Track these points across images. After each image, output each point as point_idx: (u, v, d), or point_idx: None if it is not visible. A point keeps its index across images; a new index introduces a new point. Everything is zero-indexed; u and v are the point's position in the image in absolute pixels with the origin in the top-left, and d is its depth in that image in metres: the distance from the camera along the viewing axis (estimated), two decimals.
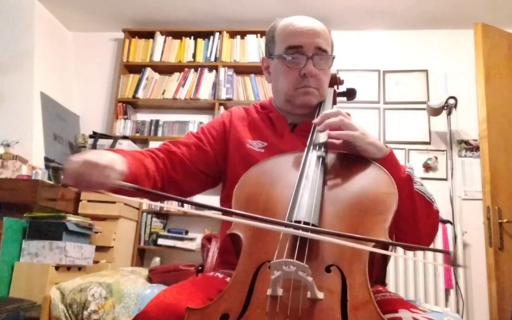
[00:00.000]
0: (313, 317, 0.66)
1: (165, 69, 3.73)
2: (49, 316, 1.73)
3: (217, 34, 3.68)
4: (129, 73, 3.77)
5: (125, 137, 3.44)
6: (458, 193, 3.23)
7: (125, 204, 3.03)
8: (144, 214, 3.37)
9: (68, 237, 2.41)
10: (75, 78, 3.93)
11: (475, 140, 3.28)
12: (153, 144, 3.29)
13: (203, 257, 1.98)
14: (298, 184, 0.88)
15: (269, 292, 0.69)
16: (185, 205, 2.95)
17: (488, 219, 2.76)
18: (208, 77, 3.61)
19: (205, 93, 3.57)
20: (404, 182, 0.94)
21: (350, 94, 1.29)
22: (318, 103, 1.16)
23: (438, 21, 3.46)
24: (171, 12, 3.67)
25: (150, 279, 2.11)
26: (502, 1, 3.16)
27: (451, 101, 3.16)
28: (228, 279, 0.98)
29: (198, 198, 2.79)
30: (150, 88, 3.67)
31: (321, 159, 0.95)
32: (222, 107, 3.54)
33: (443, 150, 3.33)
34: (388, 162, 0.96)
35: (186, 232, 3.34)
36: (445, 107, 3.18)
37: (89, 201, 2.97)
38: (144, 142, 3.57)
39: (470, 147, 3.33)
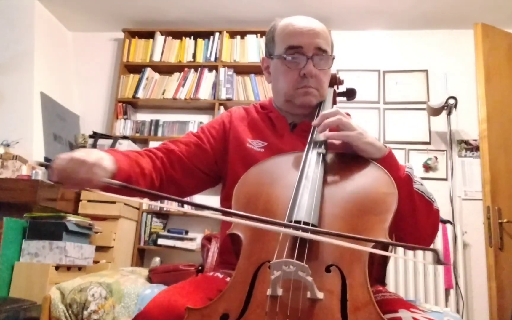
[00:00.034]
0: (313, 317, 0.66)
1: (165, 69, 3.73)
2: (49, 316, 1.73)
3: (217, 34, 3.68)
4: (129, 73, 3.77)
5: (125, 137, 3.44)
6: (458, 193, 3.23)
7: (125, 204, 3.03)
8: (144, 214, 3.37)
9: (68, 237, 2.41)
10: (75, 78, 3.93)
11: (475, 140, 3.28)
12: (153, 144, 3.28)
13: (203, 257, 1.98)
14: (298, 184, 0.88)
15: (269, 292, 0.69)
16: (185, 205, 2.96)
17: (488, 219, 2.76)
18: (208, 77, 3.61)
19: (205, 93, 3.57)
20: (403, 182, 0.94)
21: (350, 94, 1.29)
22: (318, 103, 1.16)
23: (438, 21, 3.46)
24: (171, 12, 3.67)
25: (150, 279, 2.11)
26: (502, 1, 3.16)
27: (451, 101, 3.16)
28: (228, 279, 0.98)
29: (198, 198, 2.80)
30: (150, 88, 3.67)
31: (321, 159, 0.95)
32: (222, 107, 3.54)
33: (443, 150, 3.33)
34: (387, 162, 0.96)
35: (186, 232, 3.34)
36: (445, 107, 3.18)
37: (89, 201, 2.97)
38: (144, 142, 3.58)
39: (470, 147, 3.33)
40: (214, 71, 3.62)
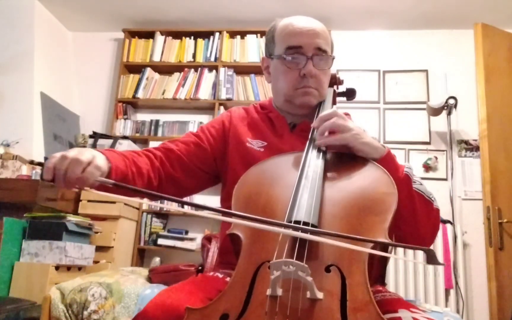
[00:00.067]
0: (313, 317, 0.66)
1: (165, 69, 3.73)
2: (49, 316, 1.73)
3: (217, 34, 3.68)
4: (129, 73, 3.77)
5: (125, 137, 3.44)
6: (458, 193, 3.23)
7: (125, 204, 3.03)
8: (144, 214, 3.37)
9: (68, 237, 2.41)
10: (75, 78, 3.93)
11: (475, 140, 3.28)
12: (153, 144, 3.28)
13: (203, 257, 1.98)
14: (297, 184, 0.88)
15: (268, 292, 0.69)
16: (185, 205, 2.96)
17: (488, 219, 2.76)
18: (208, 77, 3.61)
19: (205, 93, 3.57)
20: (402, 182, 0.94)
21: (349, 94, 1.29)
22: (318, 103, 1.16)
23: (438, 21, 3.46)
24: (171, 12, 3.67)
25: (150, 279, 2.11)
26: (502, 1, 3.16)
27: (451, 101, 3.16)
28: (228, 279, 0.98)
29: (198, 198, 2.80)
30: (150, 88, 3.67)
31: (320, 159, 0.95)
32: (222, 107, 3.54)
33: (443, 150, 3.33)
34: (386, 162, 0.96)
35: (186, 232, 3.35)
36: (445, 107, 3.18)
37: (89, 201, 2.97)
38: (144, 142, 3.58)
39: (470, 147, 3.33)
40: (214, 71, 3.62)
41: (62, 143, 3.53)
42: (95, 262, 2.70)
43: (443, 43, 3.53)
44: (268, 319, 0.67)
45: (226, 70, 3.58)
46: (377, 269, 0.95)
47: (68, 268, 2.42)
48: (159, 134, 3.60)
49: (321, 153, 0.97)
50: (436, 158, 3.31)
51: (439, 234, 2.93)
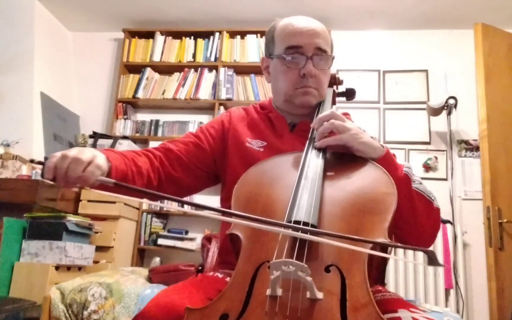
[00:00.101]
0: (313, 317, 0.66)
1: (165, 69, 3.73)
2: (49, 316, 1.73)
3: (217, 34, 3.68)
4: (129, 73, 3.77)
5: (125, 137, 3.44)
6: (458, 193, 3.23)
7: (125, 204, 3.03)
8: (144, 214, 3.37)
9: (68, 237, 2.41)
10: (75, 78, 3.93)
11: (475, 140, 3.28)
12: (153, 144, 3.28)
13: (203, 257, 1.98)
14: (297, 184, 0.88)
15: (268, 292, 0.69)
16: (185, 204, 2.96)
17: (488, 219, 2.76)
18: (208, 77, 3.61)
19: (205, 93, 3.57)
20: (401, 181, 0.94)
21: (349, 94, 1.29)
22: (318, 103, 1.16)
23: (438, 21, 3.46)
24: (171, 12, 3.67)
25: (150, 279, 2.11)
26: (502, 1, 3.16)
27: (451, 101, 3.16)
28: (227, 279, 0.98)
29: (198, 198, 2.80)
30: (150, 88, 3.67)
31: (320, 159, 0.95)
32: (222, 107, 3.54)
33: (443, 150, 3.33)
34: (385, 162, 0.96)
35: (186, 232, 3.34)
36: (445, 107, 3.18)
37: (89, 201, 2.97)
38: (144, 142, 3.58)
39: (470, 147, 3.33)
40: (214, 71, 3.62)
41: (62, 143, 3.53)
42: (95, 262, 2.70)
43: (443, 43, 3.53)
44: (268, 319, 0.67)
45: (226, 70, 3.58)
46: (377, 269, 0.95)
47: (68, 268, 2.42)
48: (159, 134, 3.60)
49: (321, 153, 0.97)
50: (436, 158, 3.31)
51: (439, 234, 2.93)
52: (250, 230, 0.83)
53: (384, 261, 0.97)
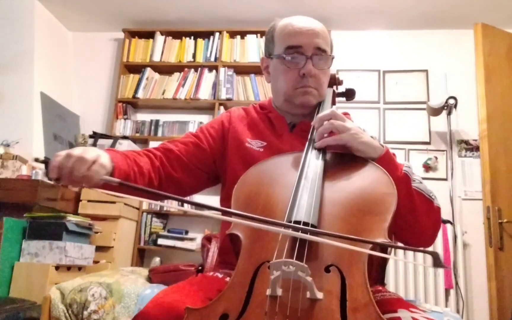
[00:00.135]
0: (313, 317, 0.66)
1: (165, 69, 3.73)
2: (49, 316, 1.73)
3: (217, 34, 3.68)
4: (129, 73, 3.77)
5: (125, 137, 3.44)
6: (458, 193, 3.23)
7: (125, 204, 3.03)
8: (144, 214, 3.37)
9: (68, 237, 2.41)
10: (75, 78, 3.93)
11: (475, 140, 3.28)
12: (153, 144, 3.28)
13: (203, 257, 1.98)
14: (297, 184, 0.88)
15: (268, 292, 0.69)
16: (185, 204, 2.96)
17: (488, 219, 2.76)
18: (208, 77, 3.61)
19: (205, 93, 3.57)
20: (401, 180, 0.95)
21: (349, 94, 1.29)
22: (318, 103, 1.16)
23: (438, 21, 3.46)
24: (171, 12, 3.67)
25: (150, 279, 2.11)
26: (502, 1, 3.16)
27: (451, 101, 3.16)
28: (227, 279, 0.98)
29: (198, 198, 2.81)
30: (150, 88, 3.67)
31: (320, 159, 0.95)
32: (222, 107, 3.54)
33: (443, 150, 3.33)
34: (384, 161, 0.96)
35: (186, 232, 3.34)
36: (445, 107, 3.18)
37: (89, 201, 2.97)
38: (144, 142, 3.58)
39: (470, 147, 3.33)
40: (214, 71, 3.62)
41: (62, 143, 3.53)
42: (95, 262, 2.70)
43: (443, 43, 3.53)
44: (268, 319, 0.67)
45: (226, 70, 3.58)
46: (377, 269, 0.95)
47: (68, 268, 2.42)
48: (159, 134, 3.60)
49: (321, 154, 0.97)
50: (436, 158, 3.31)
51: (439, 234, 2.92)
52: (250, 230, 0.83)
53: (384, 261, 0.97)
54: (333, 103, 1.23)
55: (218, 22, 3.71)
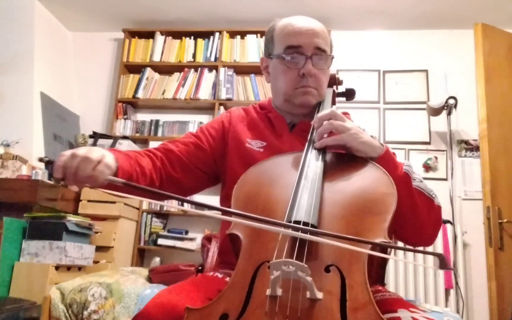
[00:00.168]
0: (313, 317, 0.66)
1: (165, 69, 3.73)
2: (49, 316, 1.73)
3: (217, 34, 3.68)
4: (129, 73, 3.77)
5: (125, 137, 3.44)
6: (458, 193, 3.23)
7: (125, 204, 3.03)
8: (144, 214, 3.37)
9: (68, 237, 2.41)
10: (75, 78, 3.93)
11: (475, 140, 3.28)
12: (153, 144, 3.28)
13: (203, 257, 1.98)
14: (297, 184, 0.88)
15: (268, 292, 0.69)
16: (185, 204, 2.96)
17: (488, 219, 2.76)
18: (208, 77, 3.61)
19: (205, 93, 3.57)
20: (401, 179, 0.95)
21: (349, 94, 1.29)
22: (317, 103, 1.16)
23: (438, 21, 3.46)
24: (171, 12, 3.67)
25: (150, 279, 2.11)
26: (502, 1, 3.16)
27: (451, 101, 3.16)
28: (227, 279, 0.98)
29: (198, 198, 2.81)
30: (150, 88, 3.67)
31: (320, 159, 0.95)
32: (222, 107, 3.54)
33: (443, 150, 3.33)
34: (384, 161, 0.96)
35: (186, 232, 3.34)
36: (445, 107, 3.18)
37: (89, 201, 2.97)
38: (144, 142, 3.58)
39: (470, 147, 3.33)
40: (214, 71, 3.62)
41: (62, 143, 3.53)
42: (95, 262, 2.70)
43: (443, 43, 3.53)
44: (268, 319, 0.67)
45: (226, 70, 3.58)
46: (377, 269, 0.95)
47: (68, 268, 2.42)
48: (159, 134, 3.60)
49: (321, 154, 0.97)
50: (436, 158, 3.31)
51: (439, 234, 2.92)
52: (250, 230, 0.83)
53: (384, 261, 0.97)
54: (333, 103, 1.23)
55: (218, 22, 3.71)
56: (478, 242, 3.05)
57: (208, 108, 3.63)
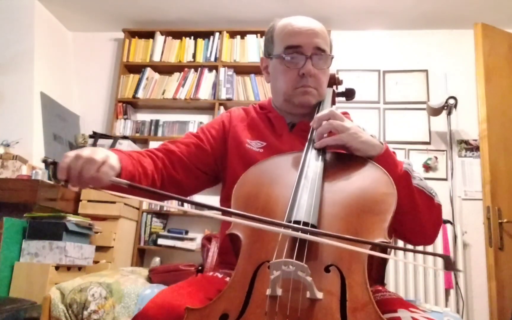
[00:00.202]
0: (313, 317, 0.66)
1: (165, 69, 3.73)
2: (49, 316, 1.73)
3: (217, 34, 3.68)
4: (129, 73, 3.77)
5: (125, 137, 3.44)
6: (458, 193, 3.23)
7: (125, 204, 3.03)
8: (144, 214, 3.37)
9: (68, 237, 2.42)
10: (75, 78, 3.93)
11: (475, 140, 3.28)
12: (153, 144, 3.29)
13: (203, 257, 1.98)
14: (297, 184, 0.88)
15: (268, 292, 0.69)
16: (185, 204, 2.96)
17: (488, 219, 2.76)
18: (208, 77, 3.61)
19: (205, 93, 3.57)
20: (401, 178, 0.95)
21: (349, 94, 1.29)
22: (317, 103, 1.16)
23: (438, 21, 3.46)
24: (171, 12, 3.67)
25: (150, 279, 2.11)
26: (502, 1, 3.16)
27: (451, 101, 3.16)
28: (227, 279, 0.98)
29: (198, 198, 2.82)
30: (150, 88, 3.67)
31: (320, 159, 0.95)
32: (222, 107, 3.54)
33: (443, 150, 3.33)
34: (384, 159, 0.96)
35: (186, 232, 3.34)
36: (445, 107, 3.18)
37: (89, 201, 2.97)
38: (144, 142, 3.58)
39: (470, 147, 3.33)
40: (214, 71, 3.62)
41: (62, 143, 3.53)
42: (95, 262, 2.70)
43: (443, 43, 3.53)
44: (268, 319, 0.67)
45: (226, 70, 3.58)
46: (377, 269, 0.95)
47: (68, 268, 2.42)
48: (159, 134, 3.60)
49: (321, 153, 0.97)
50: (436, 158, 3.31)
51: (439, 234, 2.92)
52: (250, 230, 0.83)
53: (384, 261, 0.97)
54: (333, 103, 1.23)
55: (218, 22, 3.71)
56: (478, 242, 3.05)
57: (208, 108, 3.63)
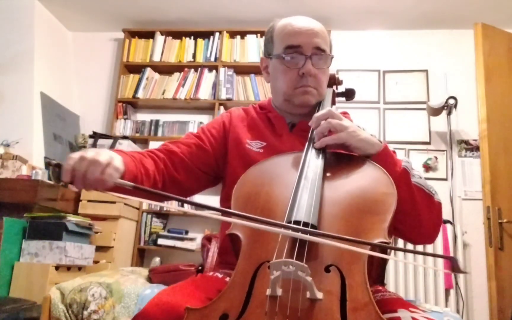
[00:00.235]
0: (313, 317, 0.66)
1: (165, 69, 3.73)
2: (49, 316, 1.73)
3: (217, 34, 3.68)
4: (129, 73, 3.77)
5: (125, 137, 3.44)
6: (458, 193, 3.23)
7: (125, 204, 3.03)
8: (144, 214, 3.37)
9: (68, 237, 2.41)
10: (75, 78, 3.93)
11: (475, 140, 3.28)
12: (153, 144, 3.30)
13: (203, 257, 1.98)
14: (297, 184, 0.88)
15: (268, 292, 0.69)
16: (185, 205, 2.96)
17: (488, 219, 2.76)
18: (208, 77, 3.61)
19: (205, 93, 3.57)
20: (401, 176, 0.95)
21: (349, 94, 1.29)
22: (317, 103, 1.16)
23: (438, 21, 3.46)
24: (171, 12, 3.67)
25: (150, 279, 2.11)
26: (502, 1, 3.16)
27: (451, 101, 3.16)
28: (227, 279, 0.98)
29: (198, 198, 2.82)
30: (150, 88, 3.67)
31: (320, 159, 0.95)
32: (222, 107, 3.54)
33: (443, 150, 3.33)
34: (383, 157, 0.96)
35: (186, 232, 3.34)
36: (445, 107, 3.18)
37: (89, 201, 2.97)
38: (144, 142, 3.58)
39: (470, 147, 3.33)
40: (214, 71, 3.62)
41: (62, 143, 3.53)
42: (95, 262, 2.70)
43: (443, 43, 3.53)
44: (268, 319, 0.67)
45: (226, 70, 3.58)
46: (377, 269, 0.95)
47: (68, 268, 2.42)
48: (159, 134, 3.60)
49: (321, 153, 0.97)
50: (436, 158, 3.31)
51: (439, 234, 2.92)
52: (250, 230, 0.83)
53: (384, 261, 0.97)
54: (333, 103, 1.23)
55: (218, 22, 3.71)
56: (478, 242, 3.05)
57: (208, 108, 3.63)
